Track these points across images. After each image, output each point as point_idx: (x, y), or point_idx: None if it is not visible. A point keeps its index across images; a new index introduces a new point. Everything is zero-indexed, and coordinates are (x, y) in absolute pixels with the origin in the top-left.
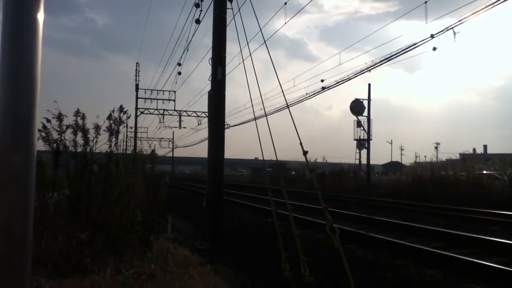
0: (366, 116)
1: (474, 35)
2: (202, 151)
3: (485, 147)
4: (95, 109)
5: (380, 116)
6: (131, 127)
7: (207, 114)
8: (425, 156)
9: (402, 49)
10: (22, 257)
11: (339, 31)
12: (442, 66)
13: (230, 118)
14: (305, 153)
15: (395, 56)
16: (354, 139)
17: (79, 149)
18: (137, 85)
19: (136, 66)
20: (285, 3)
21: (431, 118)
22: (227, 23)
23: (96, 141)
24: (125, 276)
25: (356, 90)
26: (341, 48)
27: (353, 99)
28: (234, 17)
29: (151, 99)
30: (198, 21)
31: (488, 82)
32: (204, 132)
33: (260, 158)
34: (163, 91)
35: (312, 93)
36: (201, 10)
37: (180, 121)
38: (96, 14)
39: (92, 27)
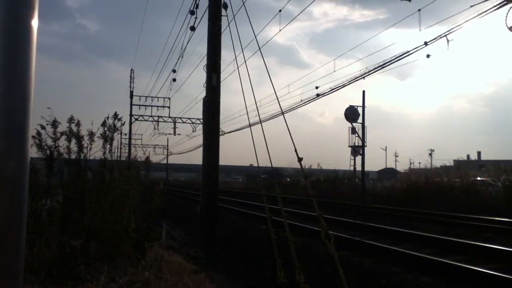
0: (360, 123)
1: (464, 43)
2: (196, 158)
3: (479, 153)
4: (88, 116)
5: (373, 123)
6: (125, 134)
7: (201, 120)
8: (419, 163)
9: (396, 56)
10: (15, 265)
11: (329, 38)
12: (433, 73)
13: (224, 125)
14: (300, 160)
15: (389, 63)
16: (349, 146)
17: (73, 156)
18: (131, 92)
19: (131, 73)
20: (280, 11)
21: (423, 125)
22: (222, 30)
23: (90, 148)
24: (119, 284)
25: (347, 97)
26: (331, 55)
27: (345, 105)
28: (229, 24)
29: (145, 105)
30: (193, 28)
31: (478, 89)
32: (199, 139)
33: (255, 164)
34: (158, 97)
35: (307, 100)
36: (196, 17)
37: (174, 128)
38: (87, 20)
39: (83, 33)
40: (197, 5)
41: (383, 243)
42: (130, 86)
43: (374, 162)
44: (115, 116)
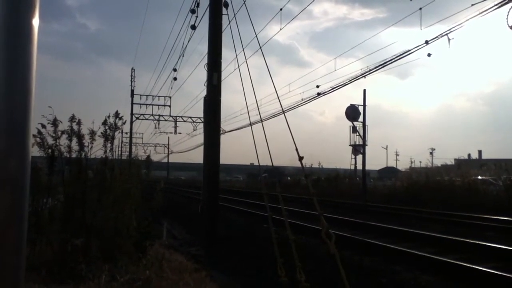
0: (361, 122)
1: (465, 41)
2: (197, 157)
3: (479, 152)
4: (89, 115)
5: (373, 122)
6: (126, 133)
7: (202, 119)
8: (420, 162)
9: (397, 55)
10: (16, 263)
11: (329, 37)
12: (433, 72)
13: (225, 123)
14: (300, 158)
15: (390, 62)
16: (350, 145)
17: (74, 155)
18: (132, 91)
19: (132, 72)
20: (281, 9)
21: (424, 124)
22: (223, 29)
23: (91, 146)
24: (120, 283)
25: (348, 95)
26: (332, 54)
27: (346, 104)
28: (229, 23)
29: (146, 104)
30: (193, 27)
31: (478, 88)
32: (200, 138)
33: (256, 163)
34: (159, 96)
35: (308, 99)
36: (196, 16)
37: (175, 127)
38: (87, 19)
39: (83, 32)
40: (198, 4)
41: (383, 242)
42: (131, 85)
43: (375, 161)
44: (116, 114)
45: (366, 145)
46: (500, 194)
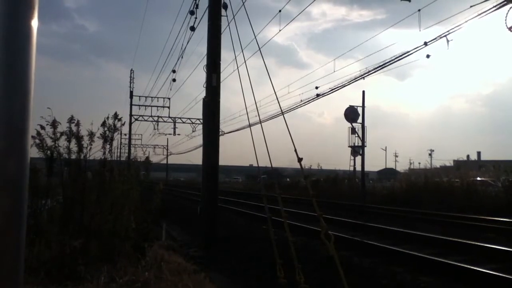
0: (360, 123)
1: (464, 43)
2: (196, 158)
3: (478, 153)
4: (88, 116)
5: (372, 123)
6: (125, 134)
7: (201, 121)
8: (419, 163)
9: (396, 57)
10: (15, 265)
11: (328, 39)
12: (432, 73)
13: (224, 125)
14: (300, 160)
15: (389, 63)
16: (349, 146)
17: (73, 156)
18: (131, 92)
19: (131, 73)
20: (280, 11)
21: (423, 125)
22: (222, 31)
23: (90, 148)
24: (119, 284)
25: (346, 97)
26: (330, 55)
27: (345, 105)
28: (229, 25)
29: (145, 106)
30: (192, 28)
31: (476, 89)
32: (199, 139)
33: (255, 165)
34: (158, 98)
35: (307, 100)
36: (195, 18)
37: (174, 128)
38: (86, 21)
39: (82, 33)
40: (197, 5)
41: (383, 243)
42: (130, 86)
43: (374, 162)
44: (115, 116)
45: (365, 146)
46: (499, 195)
